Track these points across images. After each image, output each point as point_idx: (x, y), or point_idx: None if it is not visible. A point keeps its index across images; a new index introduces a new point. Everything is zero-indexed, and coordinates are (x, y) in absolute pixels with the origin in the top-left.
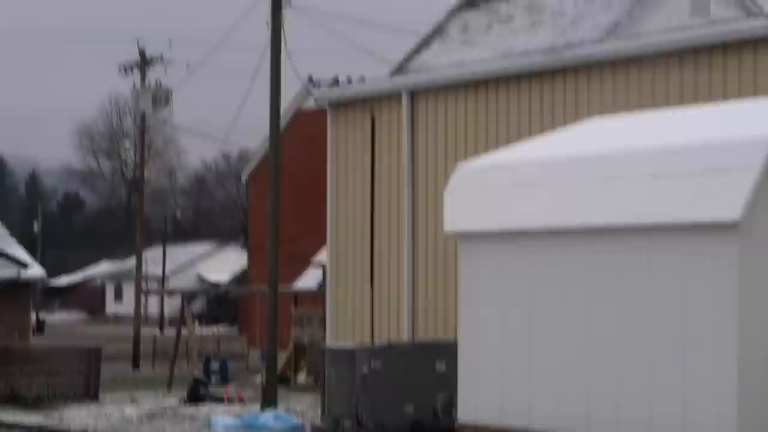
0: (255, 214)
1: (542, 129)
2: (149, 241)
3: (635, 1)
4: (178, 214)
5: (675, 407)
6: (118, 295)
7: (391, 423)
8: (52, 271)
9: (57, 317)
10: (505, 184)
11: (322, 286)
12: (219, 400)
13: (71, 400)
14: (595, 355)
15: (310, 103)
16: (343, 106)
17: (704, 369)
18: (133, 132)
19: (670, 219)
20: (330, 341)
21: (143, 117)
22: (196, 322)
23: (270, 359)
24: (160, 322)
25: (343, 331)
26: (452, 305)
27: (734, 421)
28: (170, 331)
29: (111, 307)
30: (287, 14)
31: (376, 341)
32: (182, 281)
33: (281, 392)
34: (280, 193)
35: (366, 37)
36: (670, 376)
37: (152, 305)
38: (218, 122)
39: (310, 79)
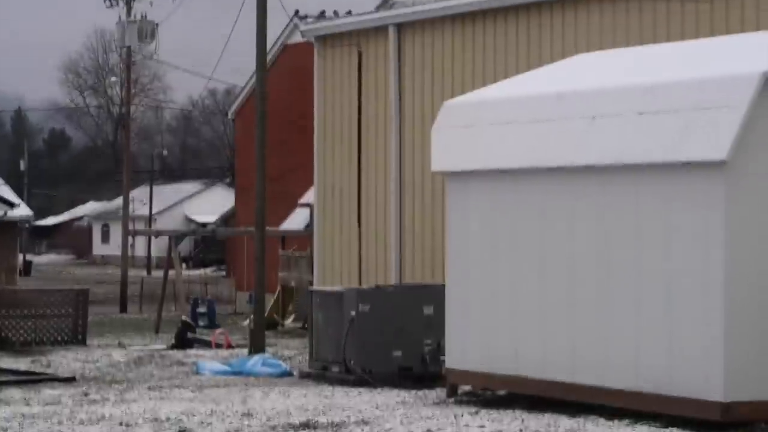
0: (242, 152)
1: (529, 64)
2: (136, 180)
3: None
4: (165, 152)
5: (661, 348)
6: (105, 236)
7: (379, 368)
8: (39, 211)
9: (44, 258)
10: (491, 122)
11: (309, 226)
12: (207, 344)
13: (59, 344)
14: (581, 297)
15: (297, 38)
16: (330, 39)
17: (691, 309)
18: (119, 67)
19: (658, 158)
20: (318, 284)
21: (129, 51)
22: (183, 265)
23: (258, 302)
24: (148, 264)
25: (330, 272)
26: (440, 243)
27: (720, 361)
28: (157, 273)
29: (98, 248)
30: None
31: (364, 283)
32: (169, 222)
33: (269, 337)
34: (267, 128)
35: None
36: (657, 317)
37: (139, 246)
38: (205, 58)
39: (297, 13)
